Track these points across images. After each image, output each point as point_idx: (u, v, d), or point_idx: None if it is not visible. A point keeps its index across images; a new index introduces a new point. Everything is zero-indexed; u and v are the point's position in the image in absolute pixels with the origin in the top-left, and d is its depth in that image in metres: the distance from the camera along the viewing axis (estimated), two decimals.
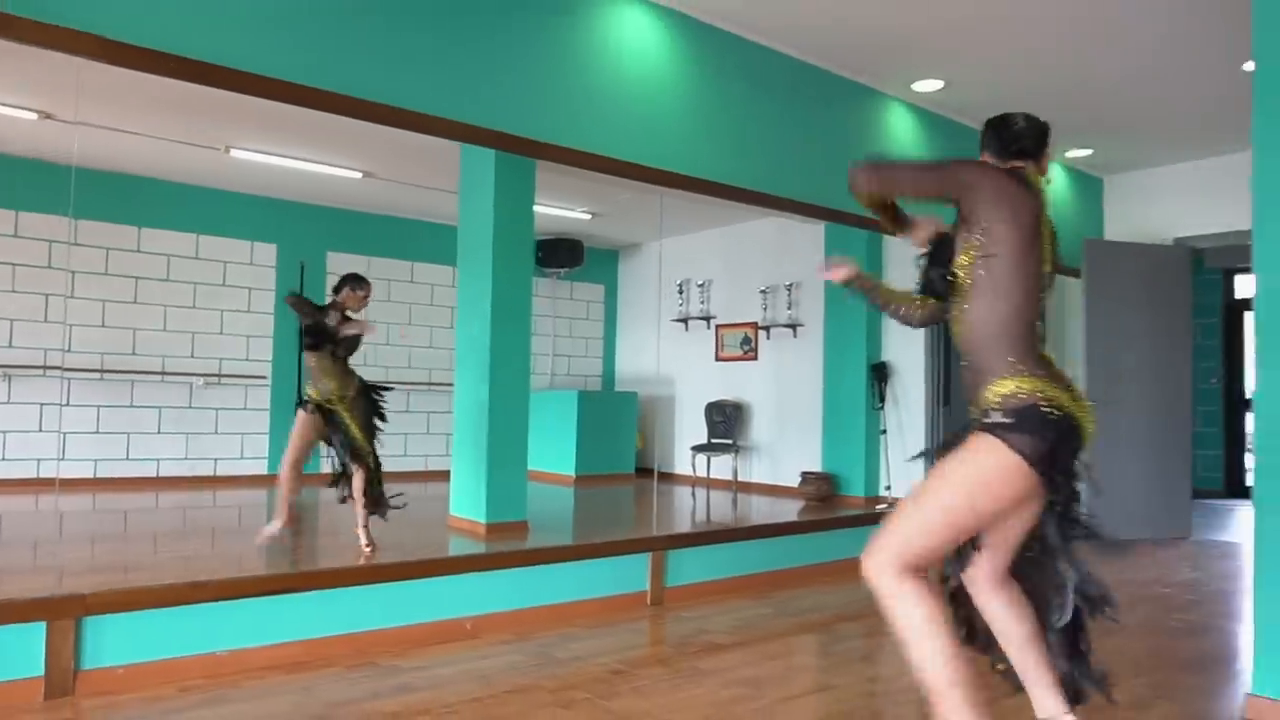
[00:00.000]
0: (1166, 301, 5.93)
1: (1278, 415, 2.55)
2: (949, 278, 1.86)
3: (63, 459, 4.88)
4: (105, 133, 4.28)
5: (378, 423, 3.96)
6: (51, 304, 5.08)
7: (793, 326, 6.74)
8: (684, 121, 3.95)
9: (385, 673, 2.66)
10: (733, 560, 3.97)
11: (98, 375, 5.23)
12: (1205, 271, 8.08)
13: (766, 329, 6.91)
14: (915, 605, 1.66)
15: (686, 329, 7.33)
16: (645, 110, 3.81)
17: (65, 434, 5.03)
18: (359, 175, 5.30)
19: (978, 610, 1.93)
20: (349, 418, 3.81)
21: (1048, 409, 1.70)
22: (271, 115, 3.09)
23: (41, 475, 4.73)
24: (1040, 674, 1.89)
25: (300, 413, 3.91)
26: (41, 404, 5.07)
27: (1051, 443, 1.69)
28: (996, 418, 1.72)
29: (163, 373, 5.49)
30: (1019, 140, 1.93)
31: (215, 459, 5.55)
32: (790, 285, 6.76)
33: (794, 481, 6.20)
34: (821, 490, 6.06)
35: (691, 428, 7.18)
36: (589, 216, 6.38)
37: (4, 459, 4.95)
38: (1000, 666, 1.97)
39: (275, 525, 3.71)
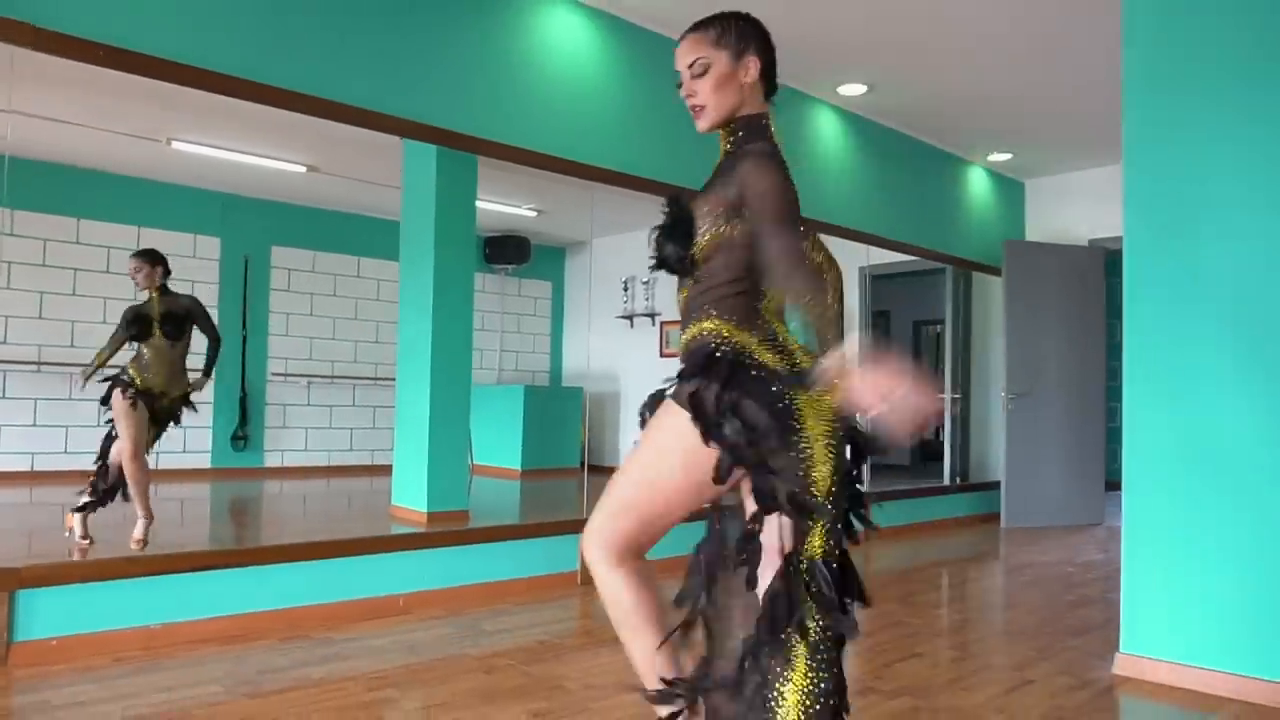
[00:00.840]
0: (1081, 300, 6.27)
1: (1142, 411, 2.80)
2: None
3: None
4: (41, 122, 4.28)
5: None
6: None
7: None
8: (615, 119, 4.13)
9: (317, 644, 2.78)
10: (661, 543, 4.15)
11: (34, 368, 5.20)
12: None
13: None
14: (625, 592, 1.54)
15: (631, 325, 7.50)
16: (578, 108, 3.98)
17: (0, 426, 5.01)
18: (303, 170, 5.35)
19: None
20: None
21: (723, 349, 1.47)
22: (215, 108, 3.17)
23: None
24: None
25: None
26: None
27: (718, 381, 1.42)
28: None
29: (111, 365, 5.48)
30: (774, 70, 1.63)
31: (158, 453, 5.58)
32: None
33: None
34: None
35: (635, 423, 7.34)
36: (534, 214, 6.50)
37: None
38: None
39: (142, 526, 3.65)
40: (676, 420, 1.45)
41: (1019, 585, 4.16)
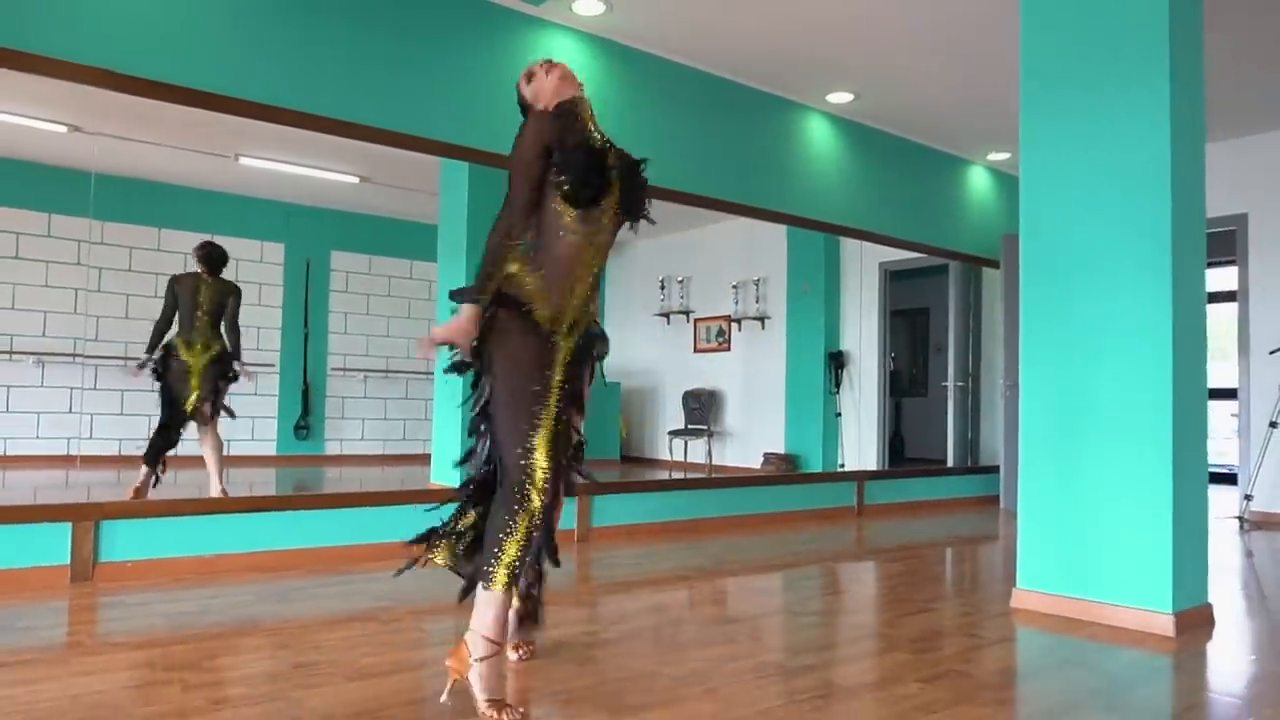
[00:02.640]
0: None
1: (1033, 378, 3.18)
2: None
3: (89, 438, 5.62)
4: (126, 143, 5.05)
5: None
6: (80, 297, 5.84)
7: (761, 319, 7.36)
8: (616, 133, 4.67)
9: (340, 581, 3.39)
10: (654, 509, 4.69)
11: (121, 362, 5.99)
12: None
13: (738, 321, 7.54)
14: None
15: (668, 323, 7.99)
16: None
17: (92, 415, 5.79)
18: (356, 180, 6.01)
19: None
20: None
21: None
22: (277, 127, 3.83)
23: (70, 452, 5.48)
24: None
25: None
26: (71, 388, 5.79)
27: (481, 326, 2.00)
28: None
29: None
30: None
31: (229, 440, 6.32)
32: (758, 280, 7.40)
33: (759, 463, 6.86)
34: (780, 469, 6.69)
35: (672, 415, 7.84)
36: None
37: (38, 437, 5.70)
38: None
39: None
40: None
41: (981, 553, 4.50)
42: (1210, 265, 8.31)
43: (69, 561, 3.08)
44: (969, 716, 2.04)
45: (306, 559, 3.57)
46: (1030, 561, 3.22)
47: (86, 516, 3.10)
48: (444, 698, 2.00)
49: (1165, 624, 2.87)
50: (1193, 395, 3.06)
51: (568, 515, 4.33)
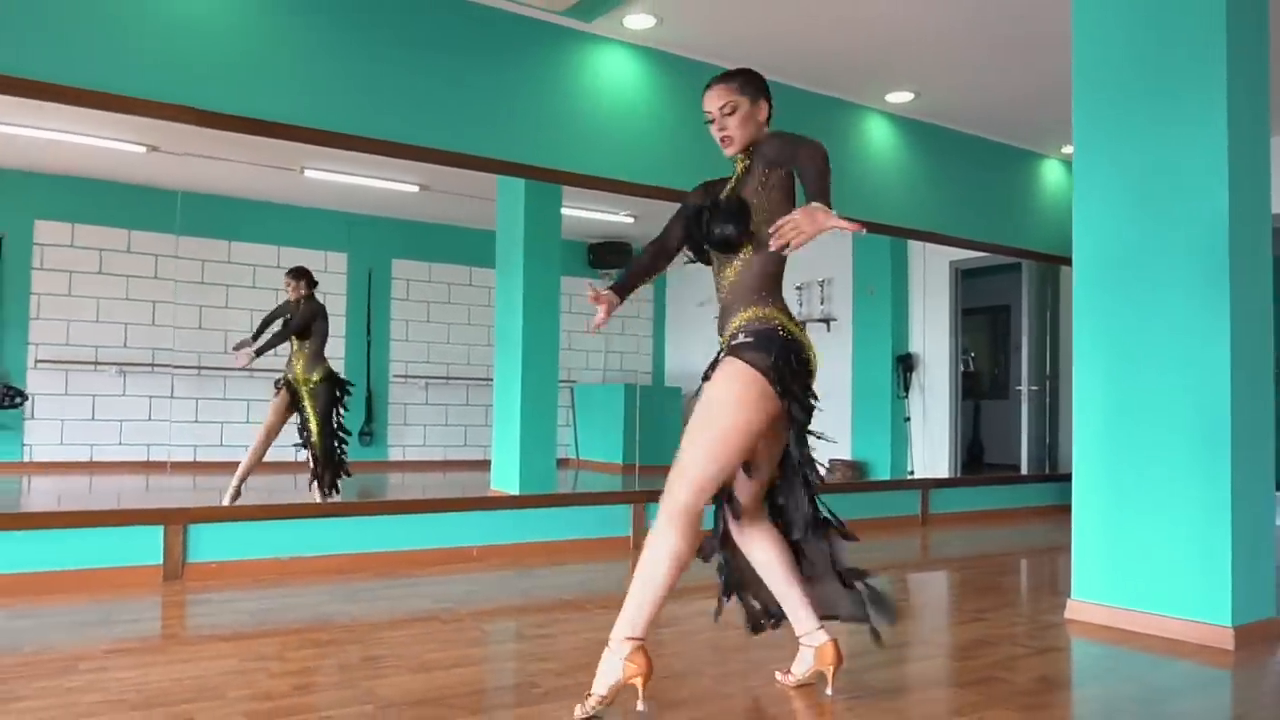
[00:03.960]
0: None
1: (1088, 383, 3.32)
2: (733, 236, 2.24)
3: (168, 444, 6.14)
4: (199, 160, 5.53)
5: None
6: (158, 309, 6.37)
7: (826, 321, 7.53)
8: (660, 142, 4.95)
9: (405, 584, 3.75)
10: (711, 516, 4.95)
11: (195, 372, 6.51)
12: None
13: (802, 324, 7.73)
14: (679, 539, 2.06)
15: None
16: (630, 137, 4.82)
17: (169, 423, 6.32)
18: (416, 189, 6.40)
19: (740, 554, 2.37)
20: (311, 403, 4.89)
21: (783, 332, 2.19)
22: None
23: (151, 459, 5.99)
24: (796, 594, 2.31)
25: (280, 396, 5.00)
26: (151, 396, 6.30)
27: (782, 357, 2.13)
28: (740, 339, 2.19)
29: (251, 370, 6.71)
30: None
31: (296, 446, 6.79)
32: (823, 281, 7.56)
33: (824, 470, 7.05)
34: (847, 476, 6.85)
35: None
36: (631, 220, 7.36)
37: (120, 444, 6.24)
38: (756, 605, 2.44)
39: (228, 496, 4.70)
40: (736, 382, 2.13)
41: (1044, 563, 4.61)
42: None
43: (161, 562, 3.52)
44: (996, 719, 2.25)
45: (374, 562, 3.96)
46: (1085, 572, 3.37)
47: (176, 521, 3.54)
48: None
49: (1224, 637, 2.98)
50: (1257, 399, 3.15)
51: (622, 522, 4.64)
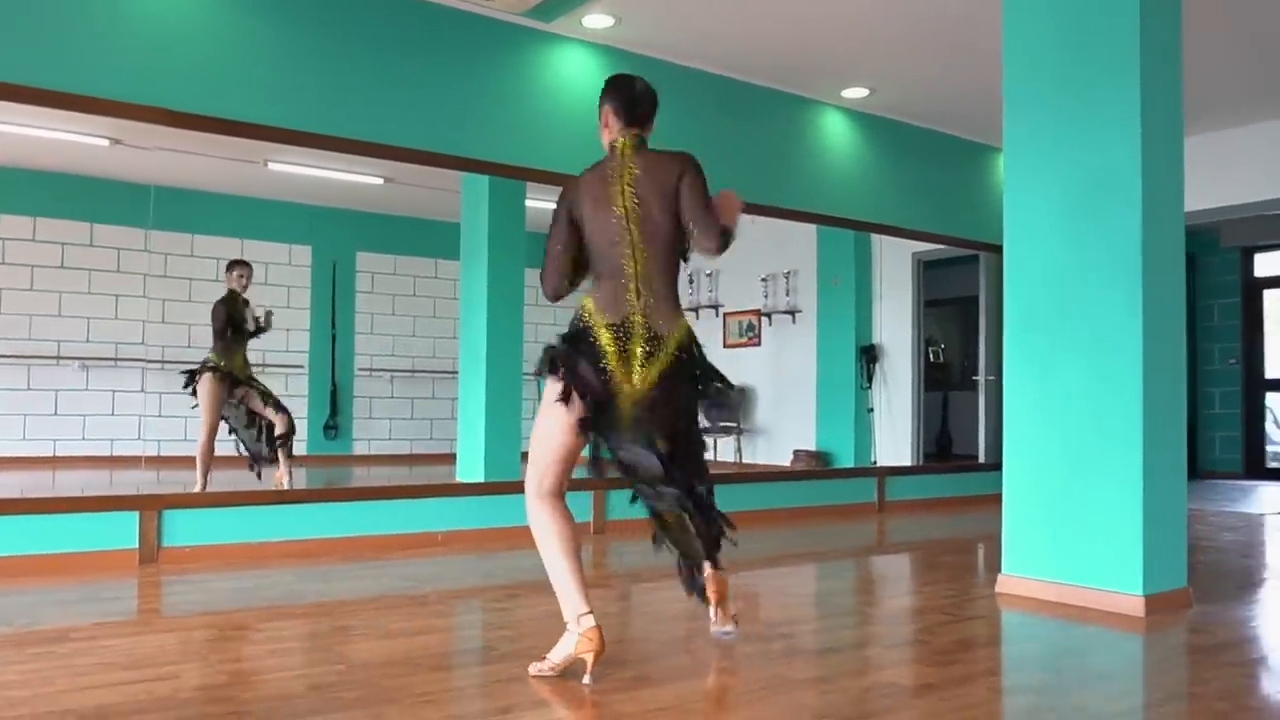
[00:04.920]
0: None
1: (1017, 377, 3.69)
2: None
3: (132, 439, 6.31)
4: (162, 153, 5.74)
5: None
6: (120, 303, 6.52)
7: (791, 313, 7.86)
8: None
9: (372, 566, 4.06)
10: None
11: (159, 366, 6.68)
12: (1223, 250, 8.88)
13: (768, 315, 8.05)
14: (547, 521, 2.40)
15: (697, 317, 8.54)
16: (590, 132, 5.12)
17: (139, 416, 6.46)
18: (380, 181, 6.62)
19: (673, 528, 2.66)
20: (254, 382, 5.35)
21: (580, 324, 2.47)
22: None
23: (115, 453, 6.15)
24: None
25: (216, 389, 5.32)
26: (114, 391, 6.45)
27: (565, 351, 2.42)
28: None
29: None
30: (638, 105, 2.58)
31: (263, 441, 6.99)
32: (788, 273, 7.90)
33: (789, 460, 7.39)
34: (810, 466, 7.21)
35: (707, 409, 8.40)
36: None
37: (84, 438, 6.40)
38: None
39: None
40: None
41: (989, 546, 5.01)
42: (1266, 249, 8.59)
43: (137, 546, 3.81)
44: (911, 673, 2.61)
45: (343, 547, 4.27)
46: (1014, 548, 3.74)
47: (151, 506, 3.83)
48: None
49: (1135, 605, 3.36)
50: (1168, 386, 3.52)
51: (584, 508, 4.97)
